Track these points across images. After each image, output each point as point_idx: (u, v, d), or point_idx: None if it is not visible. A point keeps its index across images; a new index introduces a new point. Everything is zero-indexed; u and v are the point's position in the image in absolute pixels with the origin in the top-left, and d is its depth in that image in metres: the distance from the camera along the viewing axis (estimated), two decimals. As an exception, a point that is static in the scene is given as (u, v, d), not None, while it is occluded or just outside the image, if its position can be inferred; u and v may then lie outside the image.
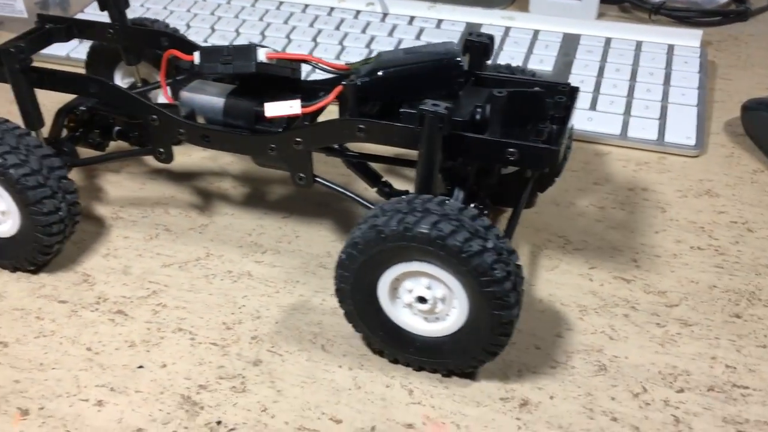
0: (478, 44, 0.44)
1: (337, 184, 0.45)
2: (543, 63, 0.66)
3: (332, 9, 0.75)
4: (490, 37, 0.45)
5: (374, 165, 0.48)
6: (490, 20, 0.73)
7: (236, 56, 0.42)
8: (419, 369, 0.41)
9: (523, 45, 0.69)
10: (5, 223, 0.45)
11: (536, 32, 0.71)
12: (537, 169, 0.39)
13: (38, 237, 0.44)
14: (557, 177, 0.49)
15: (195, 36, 0.71)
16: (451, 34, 0.71)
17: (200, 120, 0.45)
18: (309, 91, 0.45)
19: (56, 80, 0.47)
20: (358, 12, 0.75)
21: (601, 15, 0.75)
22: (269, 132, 0.43)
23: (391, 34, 0.71)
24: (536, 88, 0.41)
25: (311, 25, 0.73)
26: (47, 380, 0.41)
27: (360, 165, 0.47)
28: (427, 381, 0.40)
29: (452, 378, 0.41)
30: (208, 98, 0.44)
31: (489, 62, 0.46)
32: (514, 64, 0.49)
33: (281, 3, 0.76)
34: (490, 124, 0.39)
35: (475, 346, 0.38)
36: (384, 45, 0.69)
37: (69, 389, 0.40)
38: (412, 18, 0.73)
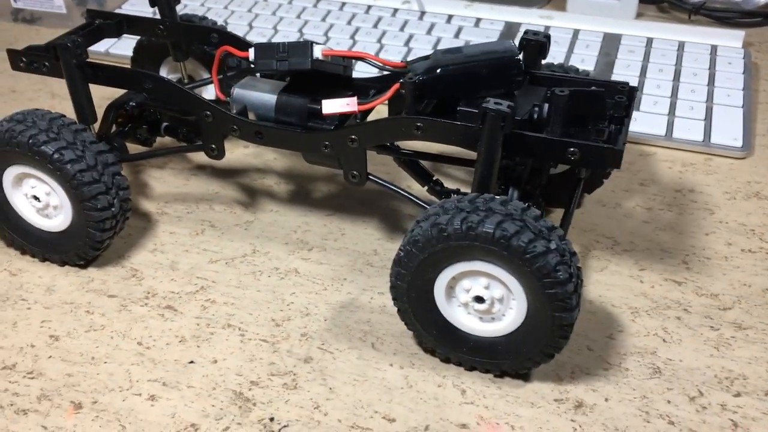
0: (535, 43, 0.44)
1: (389, 182, 0.45)
2: (584, 62, 0.65)
3: (369, 7, 0.75)
4: (547, 36, 0.44)
5: (425, 164, 0.47)
6: (529, 19, 0.72)
7: (291, 53, 0.42)
8: (471, 369, 0.41)
9: (563, 44, 0.68)
10: (57, 218, 0.46)
11: (576, 32, 0.70)
12: (600, 169, 0.38)
13: (90, 232, 0.44)
14: (606, 178, 0.49)
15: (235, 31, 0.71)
16: (490, 33, 0.70)
17: (251, 116, 0.45)
18: (360, 89, 0.45)
19: (111, 75, 0.47)
20: (396, 10, 0.74)
21: (639, 15, 0.75)
22: (323, 129, 0.43)
23: (429, 32, 0.71)
24: (594, 88, 0.41)
25: (349, 23, 0.73)
26: (99, 374, 0.41)
27: (412, 163, 0.47)
28: (479, 381, 0.40)
29: (504, 378, 0.40)
30: (260, 95, 0.44)
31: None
32: (556, 63, 0.49)
33: (318, 1, 0.76)
34: (551, 123, 0.39)
35: (531, 348, 0.38)
36: (422, 44, 0.69)
37: (121, 383, 0.40)
38: (450, 17, 0.73)
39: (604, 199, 0.53)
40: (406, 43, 0.69)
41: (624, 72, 0.64)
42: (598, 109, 0.40)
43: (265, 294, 0.46)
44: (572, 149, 0.38)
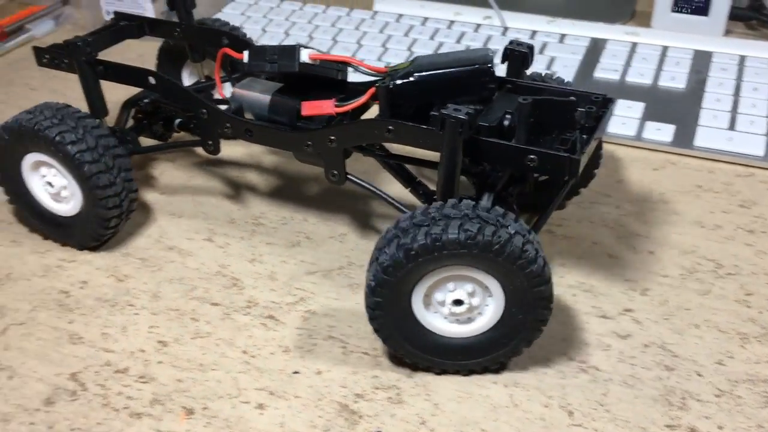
0: (518, 53, 0.45)
1: (368, 182, 0.47)
2: (675, 80, 0.64)
3: (452, 22, 0.75)
4: (530, 47, 0.46)
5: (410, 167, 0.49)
6: (614, 35, 0.72)
7: (281, 56, 0.45)
8: (469, 372, 0.42)
9: (651, 61, 0.67)
10: (69, 203, 0.49)
11: (664, 48, 0.69)
12: (558, 177, 0.40)
13: (99, 211, 0.48)
14: (585, 187, 0.51)
15: (319, 47, 0.72)
16: (576, 50, 0.70)
17: (248, 116, 0.47)
18: (354, 93, 0.46)
19: (118, 72, 0.50)
20: (478, 26, 0.75)
21: (727, 32, 0.73)
22: (309, 129, 0.45)
23: (513, 48, 0.71)
24: (571, 98, 0.41)
25: (431, 38, 0.73)
26: (208, 381, 0.42)
27: (396, 166, 0.48)
28: (586, 403, 0.40)
29: (611, 400, 0.40)
30: (256, 95, 0.47)
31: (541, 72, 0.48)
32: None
33: (400, 16, 0.77)
34: (517, 131, 0.40)
35: (521, 328, 0.39)
36: (507, 59, 0.69)
37: (230, 391, 0.41)
38: (533, 32, 0.73)
39: (703, 221, 0.52)
40: (491, 59, 0.69)
41: (717, 90, 0.63)
42: (565, 118, 0.40)
43: (363, 307, 0.46)
44: (531, 156, 0.39)
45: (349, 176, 0.46)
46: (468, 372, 0.41)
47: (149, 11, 0.77)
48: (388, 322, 0.40)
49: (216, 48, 0.53)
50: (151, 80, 0.49)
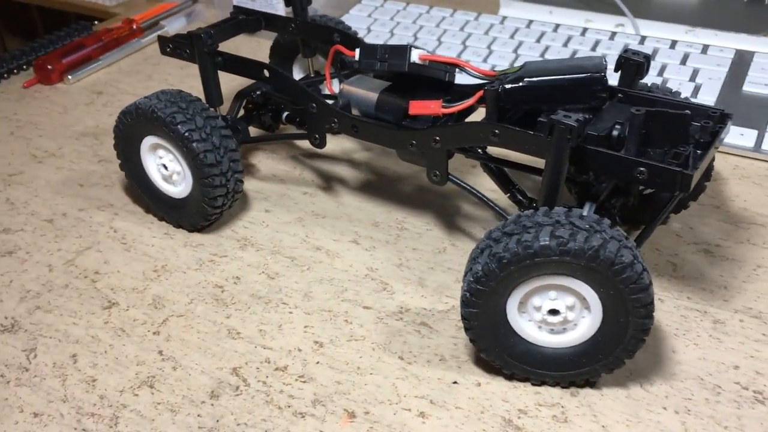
0: (633, 62, 0.44)
1: (469, 185, 0.46)
2: (833, 97, 0.61)
3: (585, 30, 0.74)
4: (646, 57, 0.44)
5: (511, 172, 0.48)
6: (760, 47, 0.69)
7: (392, 55, 0.45)
8: (541, 383, 0.41)
9: (804, 76, 0.64)
10: (180, 186, 0.52)
11: (817, 63, 0.66)
12: (668, 191, 0.39)
13: (204, 207, 0.50)
14: (694, 200, 0.49)
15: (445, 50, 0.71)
16: (721, 61, 0.67)
17: (355, 112, 0.48)
18: (462, 95, 0.46)
19: (236, 64, 0.52)
20: (613, 34, 0.73)
21: None
22: (414, 128, 0.45)
23: (653, 58, 0.68)
24: (686, 111, 0.39)
25: (565, 45, 0.71)
26: (367, 385, 0.42)
27: (496, 170, 0.48)
28: (766, 436, 0.38)
29: (793, 437, 0.38)
30: (364, 92, 0.47)
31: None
32: (655, 84, 0.46)
33: (531, 22, 0.76)
34: (627, 142, 0.39)
35: (620, 341, 0.38)
36: (647, 69, 0.67)
37: (390, 396, 0.41)
38: (674, 42, 0.70)
39: None
40: (629, 68, 0.67)
41: None
42: (678, 132, 0.39)
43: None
44: (641, 169, 0.38)
45: (451, 177, 0.47)
46: (568, 384, 0.41)
47: (281, 10, 0.78)
48: (484, 333, 0.40)
49: (327, 45, 0.54)
50: (266, 73, 0.51)
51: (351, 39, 0.54)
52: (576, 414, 0.40)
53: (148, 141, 0.51)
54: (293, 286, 0.49)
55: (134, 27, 0.80)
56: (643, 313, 0.37)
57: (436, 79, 0.47)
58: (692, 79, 0.65)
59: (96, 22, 0.85)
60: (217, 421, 0.40)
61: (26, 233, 0.54)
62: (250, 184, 0.58)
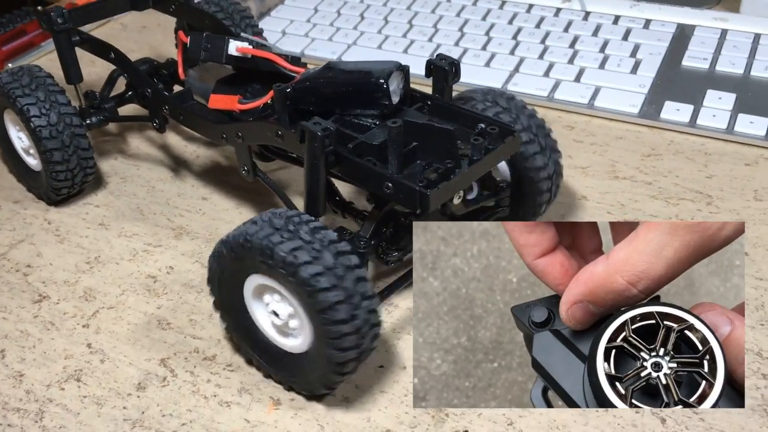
0: (439, 68, 0.43)
1: (273, 183, 0.47)
2: (769, 70, 0.62)
3: (531, 6, 0.73)
4: (453, 62, 0.43)
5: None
6: (702, 21, 0.69)
7: (212, 46, 0.46)
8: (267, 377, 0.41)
9: (743, 50, 0.64)
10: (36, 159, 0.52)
11: (757, 36, 0.66)
12: (411, 209, 0.37)
13: (49, 173, 0.51)
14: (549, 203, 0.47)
15: (397, 29, 0.71)
16: (661, 36, 0.67)
17: (200, 100, 0.48)
18: None
19: (90, 45, 0.54)
20: (558, 10, 0.72)
21: (824, 18, 0.69)
22: (229, 122, 0.46)
23: (595, 34, 0.68)
24: (448, 126, 0.39)
25: (510, 23, 0.71)
26: (294, 372, 0.42)
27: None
28: None
29: None
30: (201, 82, 0.48)
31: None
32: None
33: (505, 3, 0.75)
34: (389, 153, 0.38)
35: (315, 373, 0.38)
36: (589, 45, 0.67)
37: (316, 383, 0.41)
38: (616, 17, 0.70)
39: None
40: (572, 45, 0.67)
41: (816, 82, 0.60)
42: (444, 147, 0.38)
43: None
44: (388, 183, 0.37)
45: (258, 174, 0.46)
46: (289, 388, 0.40)
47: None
48: (227, 311, 0.40)
49: (207, 29, 0.53)
50: (112, 55, 0.52)
51: (221, 27, 0.53)
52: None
53: (7, 116, 0.53)
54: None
55: (77, 12, 0.78)
56: (335, 346, 0.35)
57: (278, 72, 0.46)
58: (633, 54, 0.65)
59: (40, 8, 0.83)
60: (143, 412, 0.40)
61: (-41, 228, 0.53)
62: (187, 172, 0.58)
